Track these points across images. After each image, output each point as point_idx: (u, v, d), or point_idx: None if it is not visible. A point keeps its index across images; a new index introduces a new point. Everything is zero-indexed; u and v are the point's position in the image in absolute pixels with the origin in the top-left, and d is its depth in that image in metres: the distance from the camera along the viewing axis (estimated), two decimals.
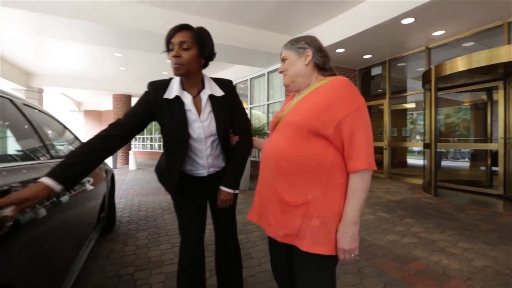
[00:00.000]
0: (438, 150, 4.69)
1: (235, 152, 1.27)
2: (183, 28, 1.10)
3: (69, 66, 8.41)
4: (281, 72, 1.06)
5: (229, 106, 1.24)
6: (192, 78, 1.16)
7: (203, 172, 1.26)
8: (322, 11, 4.97)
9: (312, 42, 1.05)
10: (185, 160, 1.21)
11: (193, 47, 1.10)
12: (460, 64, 4.16)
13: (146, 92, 1.16)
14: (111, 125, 1.07)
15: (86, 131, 16.26)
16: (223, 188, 1.24)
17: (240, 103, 1.30)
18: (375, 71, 6.90)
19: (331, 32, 5.25)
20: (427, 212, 3.58)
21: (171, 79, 1.18)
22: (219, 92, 1.21)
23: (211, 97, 1.20)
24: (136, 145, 15.86)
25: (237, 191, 1.26)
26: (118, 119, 1.11)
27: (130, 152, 9.83)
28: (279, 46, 5.92)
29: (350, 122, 0.86)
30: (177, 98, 1.15)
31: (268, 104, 7.55)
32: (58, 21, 4.42)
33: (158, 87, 1.15)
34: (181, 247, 1.33)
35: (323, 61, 1.03)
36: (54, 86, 9.38)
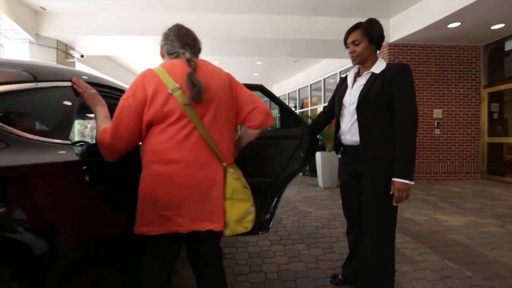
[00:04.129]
0: None
1: (396, 139, 1.30)
2: (353, 29, 1.40)
3: None
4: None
5: (385, 84, 1.33)
6: (366, 62, 1.43)
7: (344, 137, 1.48)
8: None
9: None
10: (339, 123, 1.52)
11: (363, 40, 1.38)
12: None
13: None
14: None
15: None
16: (393, 179, 1.27)
17: (403, 87, 1.30)
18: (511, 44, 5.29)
19: (439, 4, 4.37)
20: None
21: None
22: (378, 70, 1.37)
23: (372, 74, 1.38)
24: None
25: (412, 182, 1.24)
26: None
27: None
28: None
29: None
30: (346, 78, 1.55)
31: None
32: None
33: (343, 77, 1.61)
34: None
35: None
36: None
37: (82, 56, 5.63)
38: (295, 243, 2.42)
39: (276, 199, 1.76)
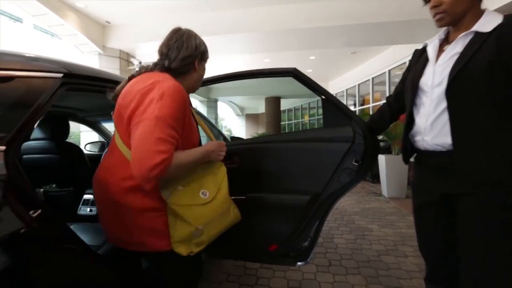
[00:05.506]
0: None
1: None
2: None
3: None
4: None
5: (504, 48, 0.78)
6: (461, 21, 0.89)
7: (420, 139, 0.95)
8: None
9: None
10: (413, 117, 1.00)
11: None
12: None
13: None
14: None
15: (246, 131, 19.50)
16: None
17: None
18: None
19: None
20: None
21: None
22: (488, 27, 0.82)
23: (476, 34, 0.84)
24: None
25: None
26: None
27: None
28: None
29: None
30: (424, 49, 1.02)
31: None
32: (224, 38, 5.36)
33: (419, 49, 1.07)
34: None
35: None
36: (224, 95, 11.81)
37: (140, 62, 6.03)
38: (348, 273, 1.90)
39: (318, 222, 1.32)
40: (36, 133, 1.83)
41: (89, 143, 2.81)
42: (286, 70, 1.27)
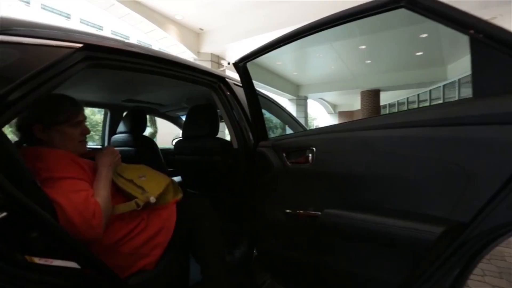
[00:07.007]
0: None
1: None
2: None
3: (322, 72, 9.57)
4: None
5: None
6: None
7: None
8: None
9: None
10: None
11: None
12: None
13: None
14: None
15: None
16: None
17: None
18: None
19: None
20: None
21: None
22: None
23: None
24: None
25: None
26: None
27: None
28: None
29: None
30: None
31: None
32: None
33: None
34: None
35: None
36: (314, 92, 11.16)
37: (228, 63, 6.29)
38: None
39: (457, 272, 0.72)
40: (121, 127, 1.91)
41: (175, 139, 2.95)
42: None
